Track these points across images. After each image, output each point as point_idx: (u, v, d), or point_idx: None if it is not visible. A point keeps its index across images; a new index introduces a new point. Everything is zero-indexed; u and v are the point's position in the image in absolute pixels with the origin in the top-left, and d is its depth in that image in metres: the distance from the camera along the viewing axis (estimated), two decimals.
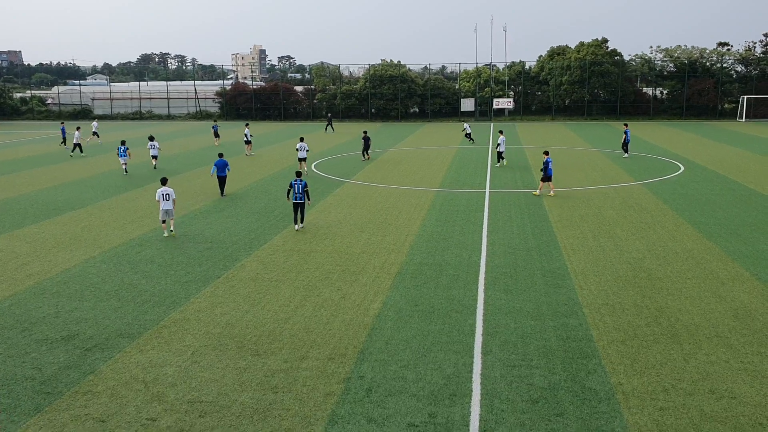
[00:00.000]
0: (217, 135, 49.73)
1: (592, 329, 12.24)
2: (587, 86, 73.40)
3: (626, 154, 38.51)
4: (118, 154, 34.28)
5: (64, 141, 46.79)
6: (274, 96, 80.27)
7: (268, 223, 21.62)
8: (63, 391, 10.00)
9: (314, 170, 34.29)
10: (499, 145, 35.11)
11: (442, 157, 39.76)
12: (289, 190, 20.61)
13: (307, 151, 33.28)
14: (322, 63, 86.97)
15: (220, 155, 28.00)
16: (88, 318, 13.13)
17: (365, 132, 40.65)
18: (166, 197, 19.71)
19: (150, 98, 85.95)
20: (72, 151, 42.45)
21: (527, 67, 79.61)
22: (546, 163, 26.09)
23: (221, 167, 26.95)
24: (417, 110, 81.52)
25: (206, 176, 31.72)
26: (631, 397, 9.67)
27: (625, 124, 42.11)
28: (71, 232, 20.69)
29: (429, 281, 15.24)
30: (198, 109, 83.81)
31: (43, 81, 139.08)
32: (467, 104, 78.01)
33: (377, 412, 9.31)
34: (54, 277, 15.89)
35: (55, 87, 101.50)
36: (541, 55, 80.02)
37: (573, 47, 77.08)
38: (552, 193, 26.18)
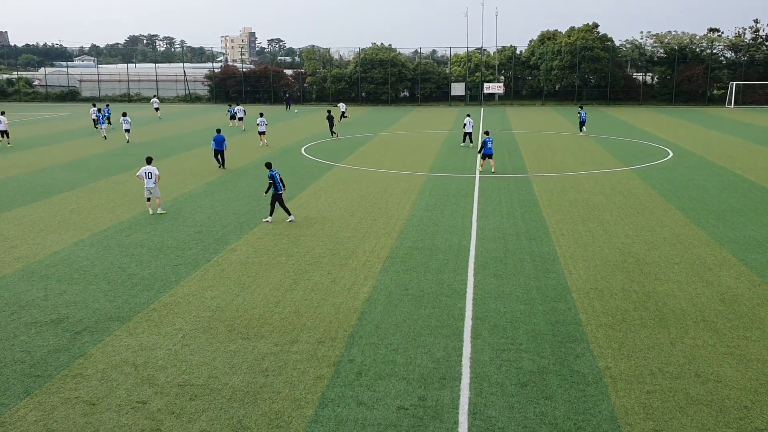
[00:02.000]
0: (233, 117, 49.85)
1: (580, 313, 12.34)
2: (578, 71, 73.38)
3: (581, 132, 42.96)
4: (97, 121, 36.81)
5: (108, 121, 46.11)
6: (264, 79, 79.79)
7: (258, 206, 21.57)
8: (53, 374, 10.00)
9: (304, 154, 34.20)
10: (465, 125, 37.70)
11: (432, 142, 39.74)
12: (271, 184, 19.29)
13: (266, 125, 37.98)
14: (313, 46, 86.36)
15: (218, 131, 29.81)
16: (77, 301, 13.10)
17: (328, 111, 44.50)
18: (149, 175, 20.13)
19: (138, 80, 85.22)
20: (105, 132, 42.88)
21: (518, 51, 79.47)
22: (484, 142, 28.44)
23: (219, 142, 28.84)
24: (407, 94, 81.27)
25: (196, 159, 31.59)
26: (618, 380, 9.77)
27: (581, 107, 45.92)
28: (60, 214, 20.57)
29: (419, 265, 15.28)
30: (187, 91, 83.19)
31: (29, 62, 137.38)
32: (457, 89, 77.87)
33: (367, 395, 9.37)
34: (42, 260, 15.82)
35: (42, 68, 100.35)
36: (532, 40, 79.89)
37: (564, 32, 76.95)
38: (493, 170, 28.35)
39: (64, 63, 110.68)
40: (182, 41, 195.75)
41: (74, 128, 48.47)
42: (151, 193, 20.41)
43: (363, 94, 78.18)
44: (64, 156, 33.77)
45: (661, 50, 75.15)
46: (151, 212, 20.49)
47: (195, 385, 9.65)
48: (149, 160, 20.93)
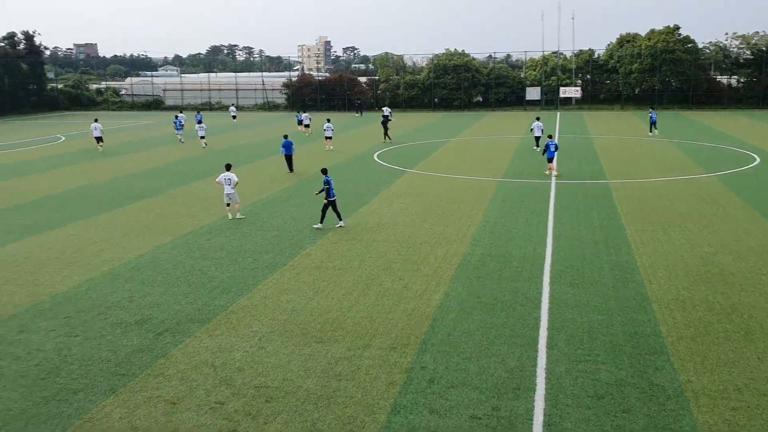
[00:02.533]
0: (300, 123, 51.31)
1: (660, 325, 11.92)
2: (658, 74, 71.04)
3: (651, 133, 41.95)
4: (175, 127, 43.12)
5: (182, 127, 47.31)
6: (339, 87, 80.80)
7: (331, 212, 21.83)
8: (136, 373, 10.42)
9: (376, 160, 34.44)
10: (532, 130, 37.60)
11: (506, 147, 39.29)
12: (328, 190, 19.38)
13: (333, 130, 39.53)
14: (386, 53, 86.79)
15: (285, 137, 31.67)
16: (159, 303, 13.61)
17: (383, 116, 46.74)
18: (228, 181, 20.75)
19: (219, 89, 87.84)
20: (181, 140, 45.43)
21: (595, 55, 77.62)
22: (547, 146, 28.35)
23: (288, 147, 30.64)
24: (481, 99, 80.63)
25: (274, 166, 32.32)
26: (701, 395, 9.39)
27: (652, 107, 45.96)
28: (144, 219, 21.43)
29: (492, 273, 15.13)
30: (265, 100, 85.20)
31: (117, 72, 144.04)
32: (533, 93, 76.71)
33: (439, 403, 9.34)
34: (128, 263, 16.51)
35: (129, 78, 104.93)
36: (611, 43, 77.82)
37: (644, 35, 74.68)
38: (555, 174, 28.42)
39: (149, 73, 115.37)
40: (261, 51, 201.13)
41: (157, 136, 50.44)
42: (230, 198, 21.04)
43: (436, 99, 78.07)
44: (148, 163, 35.18)
45: (748, 52, 71.81)
46: (230, 217, 21.13)
47: (271, 387, 9.86)
48: (228, 167, 21.54)
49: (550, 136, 29.82)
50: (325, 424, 8.82)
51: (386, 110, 54.99)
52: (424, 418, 8.96)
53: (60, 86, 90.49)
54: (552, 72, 77.47)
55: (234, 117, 63.31)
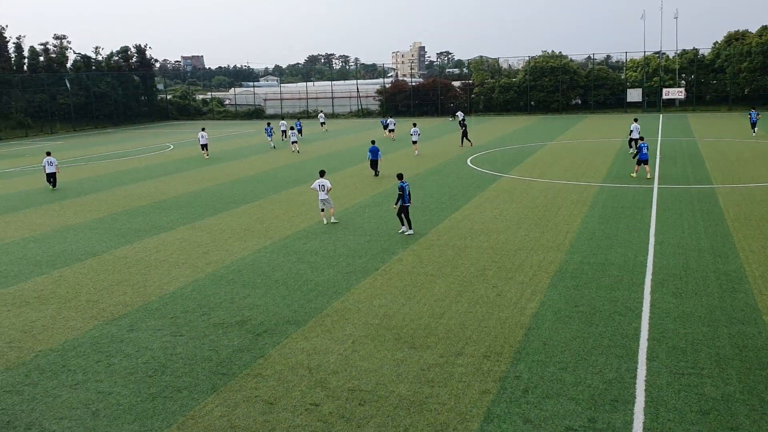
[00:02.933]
0: (386, 128, 52.97)
1: None
2: None
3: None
4: (266, 134, 47.87)
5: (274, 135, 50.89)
6: (432, 92, 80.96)
7: (423, 217, 21.91)
8: (236, 373, 10.82)
9: (470, 165, 34.22)
10: (632, 132, 36.31)
11: (606, 151, 38.09)
12: (401, 195, 19.53)
13: (419, 134, 41.14)
14: (481, 57, 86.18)
15: (373, 142, 33.03)
16: (259, 304, 14.07)
17: (462, 118, 49.13)
18: (322, 188, 21.27)
19: (316, 98, 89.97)
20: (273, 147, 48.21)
21: (700, 54, 74.00)
22: (639, 148, 27.95)
23: (374, 152, 31.68)
24: (579, 102, 78.68)
25: (366, 171, 32.73)
26: None
27: (753, 107, 43.48)
28: (245, 223, 22.23)
29: (590, 281, 14.71)
30: (360, 107, 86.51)
31: (221, 83, 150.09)
32: (634, 95, 74.06)
33: (534, 413, 9.17)
34: (230, 266, 17.18)
35: (232, 89, 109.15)
36: (717, 42, 73.99)
37: (754, 31, 70.58)
38: (648, 176, 27.93)
39: (251, 83, 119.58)
40: (356, 59, 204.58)
41: (258, 144, 52.20)
42: (324, 204, 21.56)
43: (532, 102, 76.77)
44: (250, 169, 36.47)
45: None
46: (325, 222, 21.62)
47: (364, 391, 9.99)
48: (322, 173, 22.11)
49: (642, 138, 30.26)
50: (417, 430, 8.85)
51: (460, 115, 55.92)
52: (518, 427, 8.83)
53: (169, 97, 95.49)
54: (654, 73, 74.51)
55: (323, 124, 64.63)
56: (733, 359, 10.53)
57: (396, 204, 19.93)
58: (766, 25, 69.59)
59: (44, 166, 32.33)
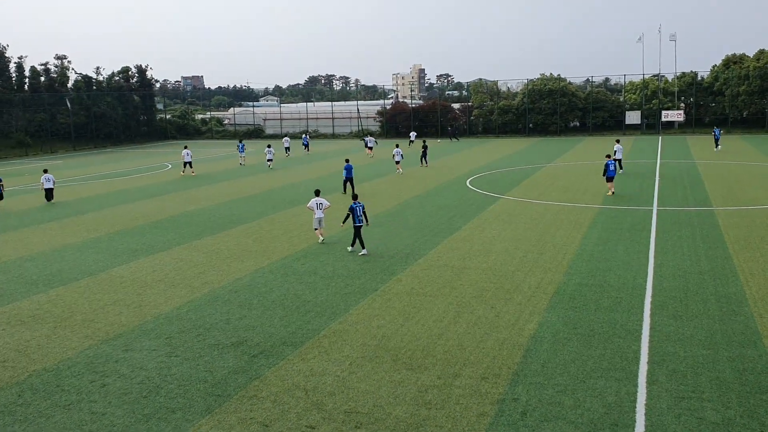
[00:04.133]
0: (366, 146, 55.59)
1: None
2: None
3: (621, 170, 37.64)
4: (238, 150, 50.05)
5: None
6: (432, 114, 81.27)
7: (423, 238, 21.86)
8: (231, 395, 10.69)
9: (468, 186, 34.25)
10: (615, 152, 37.08)
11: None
12: (348, 215, 20.05)
13: (402, 156, 41.86)
14: (480, 80, 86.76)
15: (347, 160, 33.87)
16: (255, 325, 13.96)
17: (424, 140, 49.33)
18: (320, 206, 21.40)
19: (316, 118, 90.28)
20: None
21: (699, 77, 74.48)
22: (606, 165, 29.49)
23: (348, 170, 32.94)
24: (578, 124, 78.99)
25: (368, 192, 32.72)
26: None
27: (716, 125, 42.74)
28: (243, 243, 22.16)
29: (589, 303, 14.62)
30: (360, 128, 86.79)
31: (221, 103, 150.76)
32: (632, 117, 74.38)
33: None
34: (226, 286, 17.08)
35: (232, 108, 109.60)
36: (715, 65, 74.51)
37: (752, 55, 71.12)
38: (610, 193, 29.49)
39: (251, 103, 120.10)
40: (357, 80, 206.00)
41: (256, 164, 52.23)
42: (319, 223, 21.64)
43: (530, 125, 77.07)
44: (249, 189, 36.45)
45: None
46: (320, 240, 21.66)
47: (361, 413, 9.87)
48: (317, 192, 22.24)
49: (608, 156, 30.92)
50: None
51: (412, 135, 60.27)
52: None
53: (168, 116, 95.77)
54: (653, 95, 74.93)
55: (306, 146, 62.20)
56: (733, 383, 10.42)
57: (343, 222, 20.67)
58: (763, 49, 70.15)
59: (42, 182, 34.81)
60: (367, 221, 20.31)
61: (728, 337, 12.36)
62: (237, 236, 23.46)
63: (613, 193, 29.41)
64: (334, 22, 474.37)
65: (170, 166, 52.85)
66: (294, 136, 73.59)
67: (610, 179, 29.50)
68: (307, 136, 65.40)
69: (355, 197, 20.85)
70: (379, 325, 13.65)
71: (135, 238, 23.84)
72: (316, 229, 21.85)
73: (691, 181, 33.33)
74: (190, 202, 32.31)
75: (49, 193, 34.42)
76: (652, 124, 73.74)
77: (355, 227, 20.11)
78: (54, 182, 35.02)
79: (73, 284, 17.82)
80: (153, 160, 59.35)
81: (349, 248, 20.37)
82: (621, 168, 37.26)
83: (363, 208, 20.24)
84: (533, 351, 12.00)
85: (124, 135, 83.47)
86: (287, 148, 59.28)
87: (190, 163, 44.78)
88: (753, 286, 15.41)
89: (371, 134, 61.06)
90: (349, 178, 32.86)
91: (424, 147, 46.17)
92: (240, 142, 55.37)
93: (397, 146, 43.65)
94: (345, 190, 33.02)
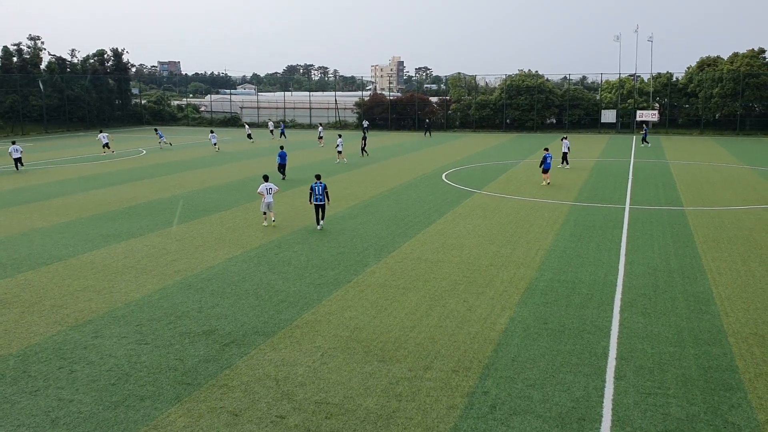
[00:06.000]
0: (320, 137, 58.18)
1: (737, 360, 11.36)
2: (740, 99, 68.39)
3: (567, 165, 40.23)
4: (158, 135, 54.43)
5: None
6: (410, 106, 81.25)
7: (398, 230, 21.90)
8: (201, 383, 10.64)
9: (444, 180, 34.36)
10: (563, 146, 40.14)
11: (578, 170, 38.53)
12: (310, 194, 22.01)
13: (342, 145, 43.56)
14: (459, 74, 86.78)
15: (281, 147, 36.69)
16: (227, 314, 13.89)
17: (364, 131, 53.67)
18: (269, 191, 22.50)
19: (294, 107, 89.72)
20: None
21: (674, 78, 75.42)
22: (544, 158, 32.24)
23: (282, 157, 35.21)
24: (554, 121, 79.61)
25: (341, 184, 32.67)
26: None
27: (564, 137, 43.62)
28: (217, 231, 22.00)
29: (560, 299, 14.79)
30: (337, 118, 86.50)
31: (197, 90, 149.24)
32: (608, 116, 75.12)
33: (501, 429, 9.14)
34: (199, 274, 16.96)
35: (208, 95, 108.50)
36: (690, 66, 75.51)
37: (726, 58, 72.20)
38: (545, 183, 32.13)
39: (228, 91, 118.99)
40: (335, 71, 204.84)
41: (233, 151, 51.84)
42: (269, 207, 22.65)
43: (507, 120, 77.46)
44: (224, 177, 36.17)
45: None
46: (265, 224, 22.80)
47: (331, 404, 9.88)
48: (266, 178, 23.20)
49: (546, 149, 33.65)
50: None
51: (365, 123, 66.04)
52: None
53: (144, 102, 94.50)
54: (628, 95, 75.73)
55: (249, 136, 63.25)
56: (698, 380, 10.63)
57: (310, 201, 22.15)
58: (737, 53, 71.21)
59: (11, 152, 39.48)
60: (328, 200, 22.24)
61: (695, 334, 12.59)
62: (211, 224, 23.28)
63: (548, 183, 32.13)
64: (314, 11, 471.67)
65: (144, 151, 52.21)
66: (277, 125, 73.07)
67: (546, 171, 32.19)
68: (283, 125, 68.73)
69: (318, 177, 22.40)
70: (352, 317, 13.67)
71: (107, 223, 23.53)
72: (264, 212, 22.95)
73: (663, 181, 33.79)
74: (164, 188, 31.96)
75: (17, 162, 39.24)
76: (627, 124, 74.56)
77: (315, 205, 22.05)
78: (21, 152, 39.72)
79: (42, 269, 17.56)
80: (127, 144, 58.54)
81: (317, 226, 22.17)
82: (567, 163, 40.10)
83: (324, 187, 21.91)
84: (504, 345, 12.11)
85: (98, 119, 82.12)
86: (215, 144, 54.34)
87: (107, 144, 49.75)
88: (720, 285, 15.70)
89: (321, 125, 65.26)
90: (282, 165, 35.18)
91: (364, 138, 49.11)
92: (156, 131, 59.07)
93: (340, 136, 45.86)
94: (284, 176, 35.06)
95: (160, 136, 55.73)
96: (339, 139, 44.67)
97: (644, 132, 59.18)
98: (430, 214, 24.93)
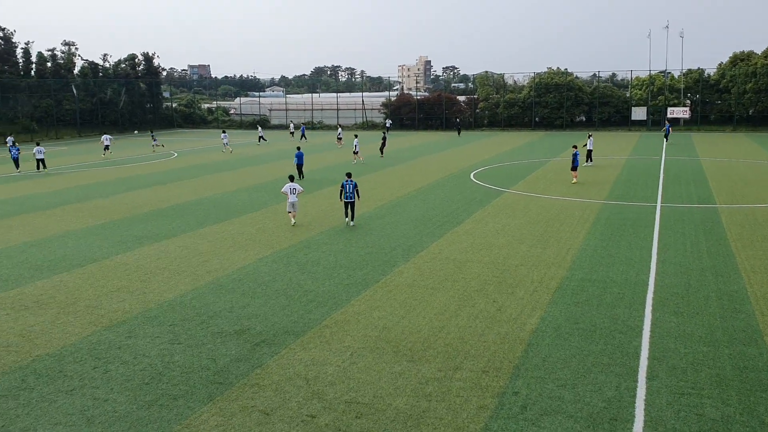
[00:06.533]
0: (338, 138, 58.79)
1: None
2: None
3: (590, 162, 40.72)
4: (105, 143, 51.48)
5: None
6: (437, 106, 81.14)
7: (426, 230, 21.88)
8: (233, 383, 10.75)
9: (473, 179, 34.23)
10: (586, 145, 40.56)
11: (609, 168, 38.09)
12: (341, 191, 22.64)
13: (359, 146, 44.35)
14: (486, 72, 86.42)
15: (298, 148, 37.66)
16: (258, 314, 14.03)
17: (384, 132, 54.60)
18: (293, 191, 22.83)
19: (321, 109, 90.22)
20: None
21: (706, 74, 74.16)
22: (574, 156, 32.60)
23: (299, 157, 35.99)
24: (584, 118, 78.86)
25: (369, 184, 32.74)
26: None
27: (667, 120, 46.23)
28: (247, 232, 22.21)
29: (591, 298, 14.65)
30: (365, 119, 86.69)
31: (227, 93, 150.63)
32: (638, 113, 74.23)
33: (532, 430, 9.10)
34: (230, 274, 17.14)
35: (238, 98, 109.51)
36: (722, 62, 74.18)
37: (759, 53, 70.77)
38: (574, 181, 32.21)
39: (257, 93, 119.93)
40: (362, 72, 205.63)
41: (261, 154, 52.27)
42: (293, 207, 23.01)
43: (536, 119, 76.91)
44: (253, 179, 36.50)
45: None
46: (293, 223, 23.04)
47: (361, 404, 9.92)
48: (291, 178, 23.83)
49: (575, 147, 34.40)
50: None
51: (388, 123, 68.67)
52: None
53: (174, 105, 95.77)
54: (659, 92, 74.68)
55: (261, 137, 64.71)
56: (733, 380, 10.45)
57: (340, 198, 22.87)
58: None
59: (34, 153, 41.50)
60: (358, 197, 23.00)
61: (729, 334, 12.38)
62: (241, 225, 23.51)
63: (576, 182, 32.19)
64: (341, 13, 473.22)
65: (176, 154, 52.91)
66: (297, 127, 73.43)
67: (574, 169, 32.58)
68: (303, 127, 69.44)
69: (348, 175, 23.07)
70: (380, 317, 13.70)
71: (140, 225, 23.91)
72: (289, 212, 23.15)
73: (695, 179, 33.26)
74: (196, 190, 32.37)
75: (40, 163, 41.32)
76: (657, 121, 73.54)
77: (345, 202, 22.70)
78: (44, 153, 41.88)
79: (77, 270, 17.91)
80: (159, 148, 59.37)
81: (346, 220, 22.97)
82: (591, 160, 40.48)
83: (355, 186, 22.59)
84: (535, 345, 12.04)
85: (129, 122, 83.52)
86: (154, 146, 56.87)
87: (107, 147, 51.01)
88: (755, 283, 15.41)
89: (340, 126, 65.71)
90: (299, 165, 35.77)
91: (384, 138, 49.30)
92: (223, 132, 58.91)
93: (356, 137, 46.26)
94: (302, 176, 35.51)
95: (154, 140, 56.85)
96: (355, 140, 45.07)
97: (666, 129, 57.12)
98: (459, 213, 24.87)
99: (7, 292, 16.08)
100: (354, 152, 44.14)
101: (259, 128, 68.74)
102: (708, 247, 18.95)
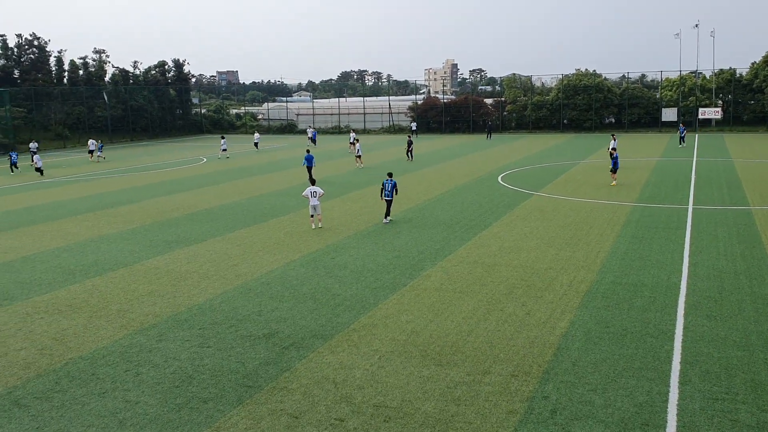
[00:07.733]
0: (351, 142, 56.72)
1: None
2: None
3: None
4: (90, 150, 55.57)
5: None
6: (464, 109, 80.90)
7: (453, 234, 21.81)
8: (262, 386, 10.82)
9: (501, 182, 34.04)
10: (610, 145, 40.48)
11: (640, 170, 37.60)
12: (381, 190, 23.80)
13: (360, 150, 44.33)
14: (514, 74, 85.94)
15: (308, 151, 38.23)
16: (286, 318, 14.10)
17: (409, 135, 55.09)
18: (314, 194, 23.09)
19: (348, 113, 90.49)
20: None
21: (738, 74, 72.84)
22: (614, 158, 32.53)
23: (309, 160, 36.59)
24: (613, 120, 77.97)
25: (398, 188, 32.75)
26: None
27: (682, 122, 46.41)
28: (275, 236, 22.36)
29: (622, 302, 14.46)
30: (391, 123, 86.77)
31: (255, 98, 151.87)
32: (669, 114, 73.15)
33: None
34: (259, 278, 17.26)
35: (266, 103, 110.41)
36: (755, 62, 72.78)
37: None
38: (613, 183, 31.99)
39: (284, 98, 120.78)
40: (389, 75, 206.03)
41: (289, 158, 52.61)
42: (315, 209, 23.16)
43: (565, 121, 76.26)
44: (281, 183, 36.75)
45: None
46: (313, 227, 23.14)
47: (389, 408, 9.91)
48: (313, 181, 24.26)
49: (614, 149, 35.06)
50: None
51: (413, 126, 69.38)
52: None
53: (203, 111, 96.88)
54: (690, 92, 73.57)
55: (312, 139, 64.67)
56: None
57: (381, 196, 23.94)
58: None
59: (35, 161, 44.39)
60: (396, 193, 23.93)
61: (764, 338, 12.12)
62: (269, 229, 23.67)
63: (614, 184, 31.99)
64: (367, 17, 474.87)
65: (205, 159, 53.49)
66: (322, 132, 73.80)
67: (613, 170, 32.49)
68: (315, 132, 68.03)
69: (389, 174, 24.47)
70: (408, 320, 13.68)
71: (170, 229, 24.20)
72: (312, 216, 23.31)
73: (728, 180, 32.69)
74: (225, 195, 32.68)
75: (92, 154, 52.82)
76: (688, 122, 72.43)
77: (385, 200, 23.73)
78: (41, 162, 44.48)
79: (108, 275, 18.18)
80: (189, 153, 60.12)
81: (384, 220, 23.82)
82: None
83: (394, 185, 23.71)
84: (564, 349, 11.91)
85: (159, 128, 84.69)
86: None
87: (92, 151, 54.88)
88: None
89: (353, 131, 64.40)
90: (308, 167, 36.34)
91: (410, 142, 49.01)
92: (222, 137, 58.28)
93: (358, 141, 46.87)
94: (311, 179, 34.62)
95: (100, 147, 55.92)
96: (357, 144, 45.31)
97: (681, 132, 54.68)
98: (487, 216, 24.75)
99: (41, 296, 16.38)
100: (356, 156, 44.28)
101: (257, 135, 64.46)
102: (742, 250, 18.60)
